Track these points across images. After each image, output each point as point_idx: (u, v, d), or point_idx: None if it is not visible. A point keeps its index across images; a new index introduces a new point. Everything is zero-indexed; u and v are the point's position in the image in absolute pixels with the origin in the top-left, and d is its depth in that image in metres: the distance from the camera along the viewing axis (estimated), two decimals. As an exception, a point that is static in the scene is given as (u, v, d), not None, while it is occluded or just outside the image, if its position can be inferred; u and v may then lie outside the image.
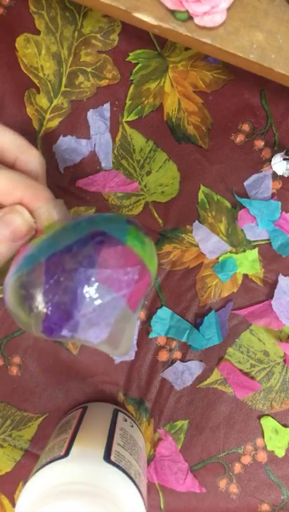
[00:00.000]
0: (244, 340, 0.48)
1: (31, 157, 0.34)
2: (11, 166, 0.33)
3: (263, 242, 0.48)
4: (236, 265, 0.47)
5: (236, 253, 0.48)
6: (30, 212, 0.31)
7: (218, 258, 0.48)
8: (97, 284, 0.29)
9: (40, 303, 0.29)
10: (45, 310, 0.29)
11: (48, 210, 0.32)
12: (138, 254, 0.31)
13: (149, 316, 0.48)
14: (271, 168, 0.47)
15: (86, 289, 0.29)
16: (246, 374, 0.48)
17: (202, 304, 0.48)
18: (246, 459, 0.48)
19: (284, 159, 0.46)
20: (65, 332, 0.29)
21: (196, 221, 0.48)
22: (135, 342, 0.47)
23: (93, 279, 0.29)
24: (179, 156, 0.48)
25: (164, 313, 0.48)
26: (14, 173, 0.31)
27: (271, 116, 0.48)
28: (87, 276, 0.29)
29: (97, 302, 0.29)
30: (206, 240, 0.48)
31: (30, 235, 0.31)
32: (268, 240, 0.48)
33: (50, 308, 0.29)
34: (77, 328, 0.29)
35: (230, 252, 0.48)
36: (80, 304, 0.29)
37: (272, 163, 0.47)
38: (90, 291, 0.29)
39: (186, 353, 0.48)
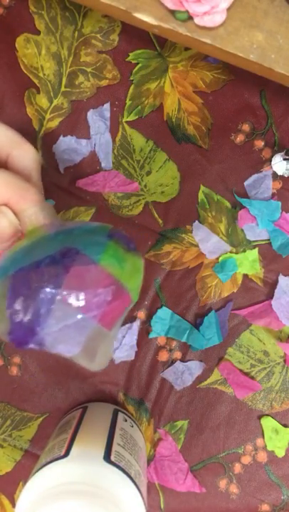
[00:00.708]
0: (244, 340, 0.48)
1: (24, 153, 0.32)
2: (3, 163, 0.32)
3: (263, 242, 0.48)
4: (236, 265, 0.47)
5: (236, 253, 0.48)
6: (17, 213, 0.30)
7: (218, 258, 0.48)
8: (62, 305, 0.28)
9: (5, 316, 0.28)
10: (9, 324, 0.28)
11: (35, 213, 0.30)
12: (113, 274, 0.29)
13: (149, 316, 0.48)
14: (271, 168, 0.47)
15: (51, 309, 0.28)
16: (246, 374, 0.48)
17: (202, 303, 0.48)
18: (246, 459, 0.48)
19: (284, 159, 0.46)
20: (32, 345, 0.29)
21: (196, 221, 0.48)
22: (135, 342, 0.47)
23: (58, 299, 0.28)
24: (179, 156, 0.48)
25: (164, 313, 0.48)
26: (2, 172, 0.29)
27: (271, 116, 0.48)
28: (51, 297, 0.28)
29: (62, 323, 0.28)
30: (206, 240, 0.48)
31: (16, 237, 0.31)
32: (268, 240, 0.48)
33: (14, 324, 0.28)
34: (43, 344, 0.29)
35: (230, 252, 0.48)
36: (43, 323, 0.28)
37: (272, 163, 0.47)
38: (55, 311, 0.28)
39: (186, 353, 0.48)
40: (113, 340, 0.31)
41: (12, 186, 0.29)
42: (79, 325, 0.28)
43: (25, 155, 0.32)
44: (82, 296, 0.28)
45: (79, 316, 0.28)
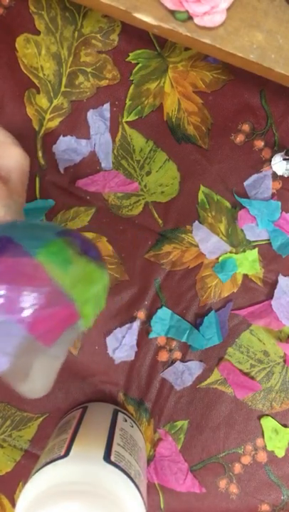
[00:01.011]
0: (244, 340, 0.48)
1: (9, 153, 0.32)
2: None
3: (263, 242, 0.48)
4: (236, 265, 0.47)
5: (236, 253, 0.48)
6: None
7: (218, 258, 0.48)
8: None
9: None
10: None
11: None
12: (51, 275, 0.24)
13: (149, 316, 0.48)
14: (271, 168, 0.47)
15: None
16: (246, 374, 0.48)
17: (202, 304, 0.48)
18: (246, 459, 0.48)
19: (284, 159, 0.46)
20: None
21: (196, 221, 0.48)
22: (135, 342, 0.47)
23: None
24: (179, 156, 0.48)
25: (164, 313, 0.48)
26: None
27: (271, 116, 0.48)
28: None
29: None
30: (206, 240, 0.48)
31: None
32: (268, 240, 0.48)
33: None
34: None
35: (230, 252, 0.48)
36: None
37: (272, 163, 0.47)
38: None
39: (186, 353, 0.48)
40: (57, 361, 0.26)
41: None
42: (4, 330, 0.23)
43: (9, 156, 0.33)
44: (9, 292, 0.23)
45: (4, 316, 0.23)
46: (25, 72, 0.46)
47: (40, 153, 0.47)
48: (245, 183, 0.48)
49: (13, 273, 0.23)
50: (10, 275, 0.23)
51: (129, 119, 0.47)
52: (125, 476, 0.35)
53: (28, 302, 0.23)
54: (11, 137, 0.33)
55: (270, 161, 0.47)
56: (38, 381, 0.26)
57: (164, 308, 0.48)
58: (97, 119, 0.47)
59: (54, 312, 0.24)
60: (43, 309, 0.24)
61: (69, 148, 0.47)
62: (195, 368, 0.48)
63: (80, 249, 0.26)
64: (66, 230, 0.27)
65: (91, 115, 0.47)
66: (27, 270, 0.23)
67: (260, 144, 0.48)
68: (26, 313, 0.23)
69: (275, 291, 0.47)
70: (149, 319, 0.48)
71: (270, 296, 0.48)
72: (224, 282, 0.48)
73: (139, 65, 0.47)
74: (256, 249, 0.48)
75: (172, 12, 0.34)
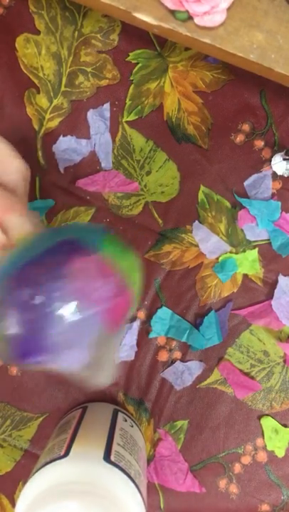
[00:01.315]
0: (244, 340, 0.48)
1: (12, 166, 0.32)
2: None
3: (263, 242, 0.48)
4: (236, 265, 0.47)
5: (236, 253, 0.48)
6: (3, 224, 0.29)
7: (218, 258, 0.48)
8: (63, 300, 0.25)
9: (6, 326, 0.25)
10: (12, 332, 0.25)
11: (22, 223, 0.29)
12: (114, 266, 0.27)
13: (149, 316, 0.48)
14: (271, 168, 0.47)
15: (52, 307, 0.24)
16: (246, 374, 0.48)
17: (202, 304, 0.48)
18: (246, 459, 0.48)
19: (284, 159, 0.46)
20: (34, 358, 0.25)
21: (196, 221, 0.48)
22: (135, 342, 0.47)
23: (58, 294, 0.24)
24: (179, 156, 0.48)
25: (164, 313, 0.48)
26: None
27: (271, 116, 0.48)
28: (52, 292, 0.24)
29: (67, 321, 0.25)
30: (206, 240, 0.48)
31: (3, 248, 0.29)
32: (268, 240, 0.48)
33: (13, 337, 0.25)
34: (48, 352, 0.25)
35: (230, 252, 0.48)
36: (49, 325, 0.25)
37: (272, 163, 0.47)
38: (57, 309, 0.24)
39: (186, 353, 0.48)
40: (117, 348, 0.28)
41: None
42: (84, 325, 0.25)
43: (14, 168, 0.33)
44: (86, 288, 0.25)
45: (85, 313, 0.25)
46: (25, 71, 0.46)
47: (40, 153, 0.47)
48: (245, 183, 0.48)
49: (85, 270, 0.25)
50: (84, 273, 0.25)
51: (129, 118, 0.47)
52: (125, 476, 0.35)
53: (102, 295, 0.25)
54: (11, 149, 0.33)
55: (270, 161, 0.47)
56: (107, 370, 0.28)
57: (164, 308, 0.48)
58: (97, 119, 0.47)
59: (120, 301, 0.27)
60: (113, 300, 0.26)
61: (69, 148, 0.47)
62: (195, 367, 0.48)
63: (121, 242, 0.29)
64: (105, 227, 0.29)
65: (91, 115, 0.47)
66: (96, 266, 0.26)
67: (260, 143, 0.48)
68: (102, 305, 0.25)
69: (275, 291, 0.47)
70: (149, 319, 0.48)
71: (270, 296, 0.48)
72: (224, 282, 0.48)
73: (139, 64, 0.47)
74: (256, 249, 0.48)
75: (172, 12, 0.34)
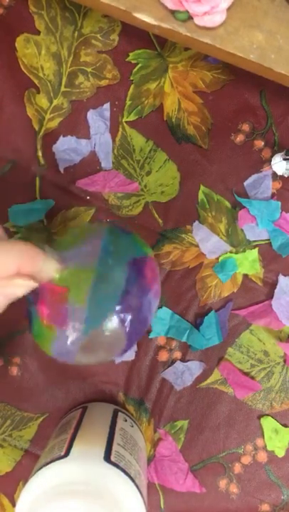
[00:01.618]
0: (244, 340, 0.48)
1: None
2: None
3: (263, 242, 0.48)
4: (236, 265, 0.47)
5: (236, 253, 0.48)
6: (32, 274, 0.32)
7: (218, 258, 0.48)
8: (152, 301, 0.35)
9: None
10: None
11: (48, 267, 0.32)
12: (149, 255, 0.36)
13: (149, 316, 0.48)
14: (271, 168, 0.47)
15: (148, 310, 0.35)
16: (246, 374, 0.48)
17: (202, 304, 0.48)
18: (246, 459, 0.48)
19: (284, 159, 0.46)
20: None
21: (196, 221, 0.48)
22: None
23: (150, 297, 0.35)
24: (179, 156, 0.48)
25: (164, 313, 0.48)
26: (16, 244, 0.31)
27: (271, 116, 0.48)
28: (146, 302, 0.34)
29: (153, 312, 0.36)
30: (206, 240, 0.48)
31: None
32: (268, 240, 0.48)
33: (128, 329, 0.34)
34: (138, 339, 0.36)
35: (230, 252, 0.48)
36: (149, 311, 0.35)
37: (272, 163, 0.47)
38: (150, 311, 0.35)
39: (186, 353, 0.48)
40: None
41: (18, 256, 0.31)
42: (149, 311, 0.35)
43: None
44: (156, 285, 0.36)
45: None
46: (25, 72, 0.46)
47: (40, 153, 0.47)
48: (245, 183, 0.48)
49: (153, 273, 0.35)
50: (153, 277, 0.35)
51: (129, 119, 0.47)
52: (125, 476, 0.35)
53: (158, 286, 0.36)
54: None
55: (270, 161, 0.47)
56: None
57: (164, 308, 0.48)
58: (97, 119, 0.47)
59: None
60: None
61: (69, 148, 0.47)
62: (195, 367, 0.48)
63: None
64: (112, 224, 0.37)
65: (91, 115, 0.47)
66: (154, 267, 0.36)
67: (260, 143, 0.48)
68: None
69: (275, 291, 0.47)
70: (149, 319, 0.48)
71: (270, 296, 0.48)
72: (224, 282, 0.48)
73: (139, 65, 0.47)
74: (256, 249, 0.48)
75: (172, 12, 0.34)
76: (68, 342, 0.33)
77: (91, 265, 0.33)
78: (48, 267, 0.32)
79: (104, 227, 0.37)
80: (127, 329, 0.33)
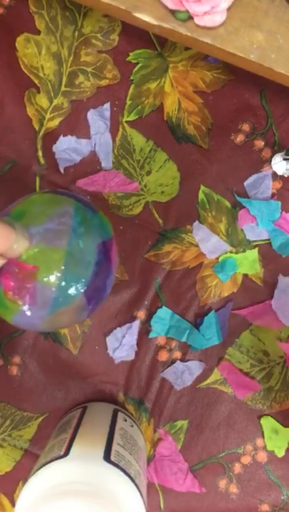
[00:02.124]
0: (244, 340, 0.48)
1: None
2: None
3: (263, 242, 0.48)
4: (236, 265, 0.47)
5: (236, 253, 0.48)
6: (3, 253, 0.32)
7: (218, 258, 0.48)
8: (112, 279, 0.39)
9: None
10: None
11: (19, 244, 0.33)
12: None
13: (149, 316, 0.48)
14: (271, 168, 0.47)
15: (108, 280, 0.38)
16: (246, 374, 0.48)
17: (202, 303, 0.48)
18: (246, 459, 0.48)
19: (284, 159, 0.46)
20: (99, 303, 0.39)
21: (196, 221, 0.48)
22: (135, 342, 0.47)
23: (112, 277, 0.39)
24: (179, 156, 0.48)
25: (164, 313, 0.48)
26: None
27: (271, 116, 0.48)
28: (110, 281, 0.38)
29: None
30: (206, 240, 0.48)
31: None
32: (268, 240, 0.48)
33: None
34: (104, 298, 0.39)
35: (230, 252, 0.48)
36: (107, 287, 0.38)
37: (272, 163, 0.47)
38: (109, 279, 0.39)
39: (186, 353, 0.48)
40: None
41: None
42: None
43: None
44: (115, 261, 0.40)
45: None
46: (25, 71, 0.46)
47: (40, 153, 0.47)
48: (245, 183, 0.48)
49: (116, 255, 0.39)
50: (116, 257, 0.39)
51: (130, 118, 0.47)
52: (125, 476, 0.35)
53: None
54: None
55: (270, 161, 0.47)
56: None
57: (164, 308, 0.48)
58: (98, 119, 0.47)
59: None
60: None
61: (69, 148, 0.47)
62: (195, 367, 0.48)
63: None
64: (74, 196, 0.39)
65: (91, 115, 0.47)
66: (116, 247, 0.40)
67: (260, 143, 0.48)
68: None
69: (275, 291, 0.47)
70: (149, 319, 0.48)
71: (270, 296, 0.48)
72: (224, 282, 0.48)
73: (140, 64, 0.47)
74: (256, 249, 0.48)
75: (172, 12, 0.34)
76: (33, 317, 0.35)
77: (61, 245, 0.34)
78: (18, 246, 0.33)
79: (71, 201, 0.37)
80: (90, 307, 0.37)
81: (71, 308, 0.35)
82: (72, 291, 0.34)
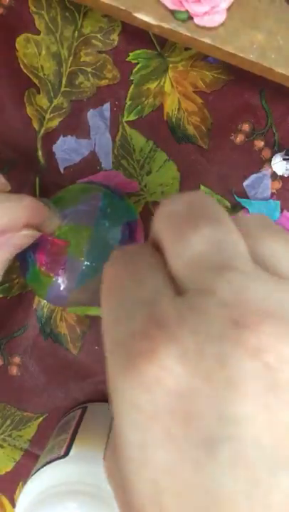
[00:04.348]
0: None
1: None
2: None
3: (263, 242, 0.48)
4: (236, 265, 0.47)
5: (236, 253, 0.48)
6: (39, 226, 0.36)
7: (218, 258, 0.48)
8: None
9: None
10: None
11: (52, 220, 0.37)
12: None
13: (149, 316, 0.48)
14: (271, 168, 0.47)
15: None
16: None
17: (202, 304, 0.48)
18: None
19: (284, 159, 0.46)
20: None
21: (196, 221, 0.48)
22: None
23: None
24: (179, 156, 0.48)
25: (164, 313, 0.48)
26: (22, 198, 0.34)
27: (271, 116, 0.48)
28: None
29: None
30: (206, 240, 0.48)
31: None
32: (268, 240, 0.48)
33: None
34: None
35: (230, 252, 0.48)
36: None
37: (272, 163, 0.47)
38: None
39: (186, 353, 0.48)
40: None
41: (31, 208, 0.34)
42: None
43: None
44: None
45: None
46: (25, 71, 0.46)
47: (40, 153, 0.47)
48: (244, 183, 0.48)
49: (140, 236, 0.42)
50: (140, 238, 0.42)
51: (130, 118, 0.47)
52: (125, 476, 0.35)
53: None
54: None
55: (270, 161, 0.47)
56: None
57: (164, 308, 0.48)
58: (97, 119, 0.47)
59: None
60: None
61: (69, 148, 0.47)
62: (195, 367, 0.48)
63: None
64: (101, 186, 0.44)
65: (91, 115, 0.47)
66: (141, 230, 0.43)
67: (260, 144, 0.48)
68: None
69: (275, 291, 0.47)
70: (149, 319, 0.48)
71: (270, 296, 0.48)
72: (224, 282, 0.48)
73: (139, 64, 0.47)
74: (256, 249, 0.48)
75: (172, 12, 0.34)
76: (63, 289, 0.38)
77: (89, 224, 0.38)
78: (52, 221, 0.37)
79: (100, 188, 0.41)
80: None
81: (96, 282, 0.38)
82: (98, 264, 0.38)
